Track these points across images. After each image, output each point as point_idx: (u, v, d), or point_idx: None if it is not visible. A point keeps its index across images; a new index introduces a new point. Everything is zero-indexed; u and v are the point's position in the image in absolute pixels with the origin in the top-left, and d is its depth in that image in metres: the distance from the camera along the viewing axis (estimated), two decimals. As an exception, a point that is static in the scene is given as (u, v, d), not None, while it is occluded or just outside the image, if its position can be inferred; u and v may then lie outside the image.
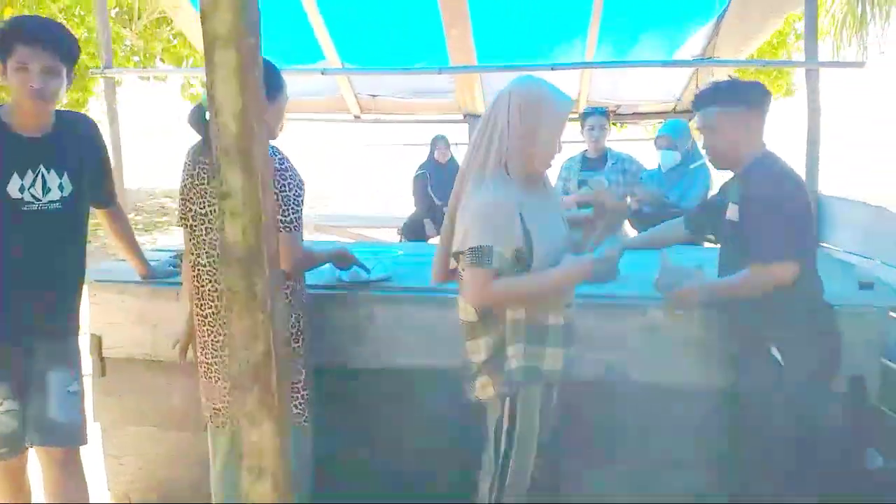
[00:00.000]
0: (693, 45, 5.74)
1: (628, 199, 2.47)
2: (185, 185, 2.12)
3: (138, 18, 12.42)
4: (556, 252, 1.93)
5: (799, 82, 12.65)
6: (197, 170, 2.09)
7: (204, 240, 2.08)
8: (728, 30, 5.38)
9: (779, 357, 2.14)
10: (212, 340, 2.08)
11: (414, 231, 6.16)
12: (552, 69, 4.15)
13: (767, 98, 2.25)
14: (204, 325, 2.08)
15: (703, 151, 2.45)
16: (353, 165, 17.04)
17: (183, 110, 4.42)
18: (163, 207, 16.11)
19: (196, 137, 2.10)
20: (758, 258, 2.11)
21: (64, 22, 10.65)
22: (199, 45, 6.10)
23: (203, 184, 2.07)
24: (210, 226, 2.05)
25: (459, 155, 6.82)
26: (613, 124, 7.61)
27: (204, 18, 0.93)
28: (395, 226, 6.82)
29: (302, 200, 2.05)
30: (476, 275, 1.85)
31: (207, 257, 2.06)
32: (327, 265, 2.49)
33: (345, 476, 2.50)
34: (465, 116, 7.34)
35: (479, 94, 6.87)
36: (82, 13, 10.64)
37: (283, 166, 2.03)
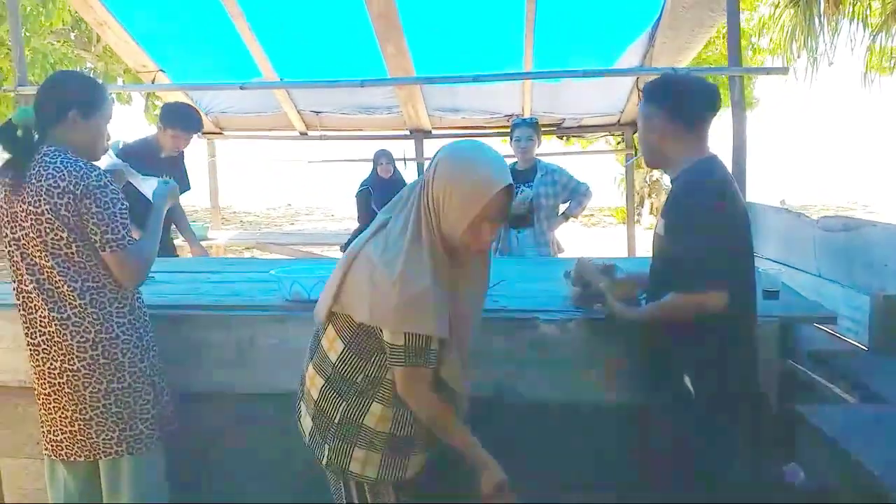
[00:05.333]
0: (629, 58, 5.75)
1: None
2: None
3: (97, 41, 12.23)
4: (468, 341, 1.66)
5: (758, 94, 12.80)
6: (3, 192, 1.95)
7: (21, 265, 1.94)
8: (662, 42, 5.39)
9: (690, 386, 1.96)
10: (48, 369, 1.94)
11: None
12: (474, 80, 4.09)
13: (702, 99, 2.01)
14: (38, 354, 1.94)
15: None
16: (299, 183, 16.90)
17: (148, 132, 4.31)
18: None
19: None
20: (682, 285, 1.90)
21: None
22: (127, 59, 5.97)
23: (12, 207, 1.92)
24: (25, 250, 1.92)
25: (402, 170, 6.72)
26: (559, 137, 7.60)
27: None
28: (338, 243, 6.70)
29: (127, 214, 1.96)
30: (418, 375, 1.57)
31: (31, 282, 1.92)
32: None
33: None
34: (411, 132, 7.26)
35: (423, 109, 6.80)
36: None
37: (101, 182, 1.91)
